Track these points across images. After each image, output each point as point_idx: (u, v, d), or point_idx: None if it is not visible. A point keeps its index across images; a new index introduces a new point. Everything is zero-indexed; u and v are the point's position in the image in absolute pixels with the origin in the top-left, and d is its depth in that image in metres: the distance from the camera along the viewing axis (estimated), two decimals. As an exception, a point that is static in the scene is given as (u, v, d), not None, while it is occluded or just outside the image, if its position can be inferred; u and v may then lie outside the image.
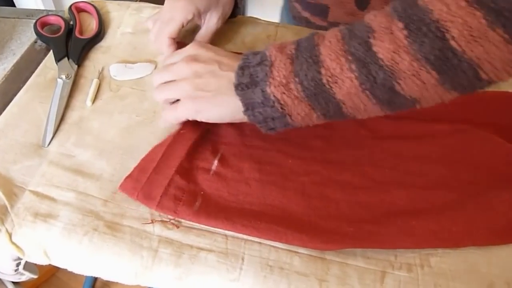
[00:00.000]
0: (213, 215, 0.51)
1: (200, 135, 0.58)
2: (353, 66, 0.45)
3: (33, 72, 0.66)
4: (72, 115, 0.61)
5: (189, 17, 0.64)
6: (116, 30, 0.73)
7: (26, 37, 0.72)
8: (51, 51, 0.68)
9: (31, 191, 0.53)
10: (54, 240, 0.50)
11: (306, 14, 0.84)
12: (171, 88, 0.55)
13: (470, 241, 0.50)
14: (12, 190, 0.53)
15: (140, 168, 0.54)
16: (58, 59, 0.66)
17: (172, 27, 0.63)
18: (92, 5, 0.74)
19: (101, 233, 0.50)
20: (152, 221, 0.51)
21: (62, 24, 0.70)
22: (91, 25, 0.72)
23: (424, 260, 0.49)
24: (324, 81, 0.46)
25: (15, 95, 0.63)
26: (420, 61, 0.42)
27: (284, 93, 0.48)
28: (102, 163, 0.56)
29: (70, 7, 0.73)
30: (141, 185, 0.52)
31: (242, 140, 0.59)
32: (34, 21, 0.71)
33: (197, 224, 0.51)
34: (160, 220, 0.51)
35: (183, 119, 0.56)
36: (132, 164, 0.55)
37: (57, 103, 0.61)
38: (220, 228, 0.51)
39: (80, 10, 0.74)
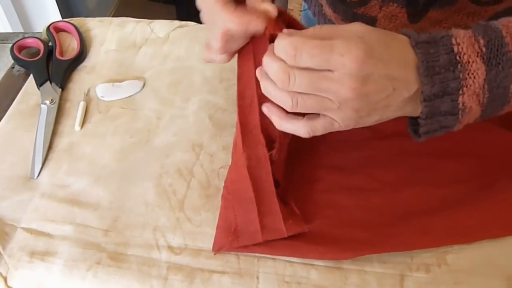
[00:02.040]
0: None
1: None
2: None
3: (13, 99, 0.63)
4: (61, 142, 0.58)
5: None
6: (99, 48, 0.70)
7: (2, 63, 0.69)
8: (31, 75, 0.65)
9: (24, 228, 0.50)
10: (55, 280, 0.47)
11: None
12: (320, 105, 0.41)
13: (486, 234, 0.50)
14: (3, 229, 0.50)
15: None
16: (40, 84, 0.63)
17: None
18: (72, 24, 0.71)
19: (105, 266, 0.47)
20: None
21: (41, 46, 0.67)
22: (72, 45, 0.70)
23: (440, 258, 0.48)
24: None
25: (-5, 126, 0.60)
26: None
27: (475, 102, 0.42)
28: (98, 191, 0.53)
29: (48, 28, 0.70)
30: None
31: None
32: (9, 45, 0.68)
33: (205, 246, 0.49)
34: (167, 246, 0.49)
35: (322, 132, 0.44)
36: (131, 189, 0.53)
37: (43, 131, 0.58)
38: (234, 251, 0.49)
39: (59, 30, 0.71)
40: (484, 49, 0.41)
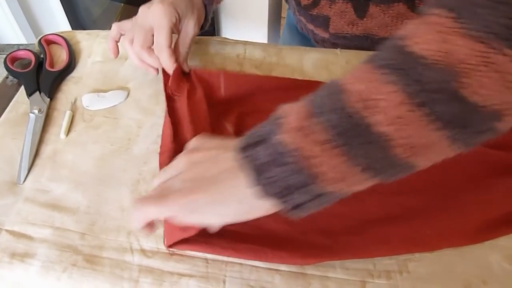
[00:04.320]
0: (192, 240, 0.50)
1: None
2: (393, 77, 0.34)
3: (5, 108, 0.66)
4: (46, 149, 0.61)
5: (173, 20, 0.61)
6: (86, 59, 0.72)
7: (-2, 73, 0.72)
8: (22, 86, 0.68)
9: (7, 230, 0.53)
10: (32, 280, 0.49)
11: (311, 26, 0.83)
12: (162, 181, 0.45)
13: (445, 244, 0.51)
14: (-12, 231, 0.53)
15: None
16: (29, 94, 0.65)
17: (165, 34, 0.60)
18: (62, 36, 0.74)
19: (80, 268, 0.49)
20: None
21: (32, 58, 0.70)
22: (62, 57, 0.72)
23: (402, 266, 0.50)
24: (352, 110, 0.34)
25: (-12, 132, 0.63)
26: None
27: (300, 138, 0.36)
28: (77, 196, 0.56)
29: (39, 40, 0.73)
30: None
31: None
32: (4, 56, 0.71)
33: (178, 250, 0.51)
34: (140, 249, 0.51)
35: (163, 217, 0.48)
36: (108, 194, 0.55)
37: (30, 138, 0.61)
38: (200, 252, 0.51)
39: (50, 43, 0.74)
40: (311, 96, 0.38)
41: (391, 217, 0.53)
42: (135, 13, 0.65)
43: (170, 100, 0.63)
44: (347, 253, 0.50)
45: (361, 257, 0.50)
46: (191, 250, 0.51)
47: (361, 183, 0.37)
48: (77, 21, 1.72)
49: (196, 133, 0.55)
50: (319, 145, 0.35)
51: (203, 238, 0.50)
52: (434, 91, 0.33)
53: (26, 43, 1.19)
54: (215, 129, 0.60)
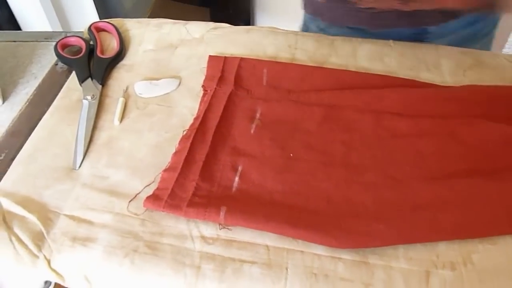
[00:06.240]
0: (240, 218, 0.51)
1: (215, 140, 0.58)
2: None
3: (56, 94, 0.66)
4: (101, 136, 0.61)
5: None
6: (137, 47, 0.72)
7: (46, 60, 0.72)
8: (73, 72, 0.68)
9: (66, 215, 0.53)
10: (95, 264, 0.49)
11: None
12: None
13: (496, 231, 0.51)
14: (47, 216, 0.53)
15: (162, 179, 0.55)
16: (82, 80, 0.66)
17: None
18: (112, 24, 0.74)
19: (142, 254, 0.49)
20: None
21: (83, 44, 0.70)
22: (112, 44, 0.72)
23: (466, 257, 0.49)
24: None
25: (39, 119, 0.63)
26: None
27: None
28: (136, 183, 0.56)
29: (89, 27, 0.73)
30: (165, 197, 0.52)
31: (262, 150, 0.58)
32: (52, 43, 0.71)
33: (238, 237, 0.51)
34: (200, 236, 0.51)
35: None
36: (166, 181, 0.55)
37: (84, 125, 0.61)
38: (247, 226, 0.51)
39: (100, 30, 0.74)
40: None
41: (441, 202, 0.53)
42: (167, 5, 0.66)
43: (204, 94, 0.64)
44: (401, 238, 0.50)
45: (414, 241, 0.50)
46: (241, 225, 0.51)
47: None
48: (107, 13, 1.72)
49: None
50: None
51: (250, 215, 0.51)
52: None
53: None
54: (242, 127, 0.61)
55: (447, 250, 0.50)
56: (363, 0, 0.72)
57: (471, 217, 0.52)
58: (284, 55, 0.70)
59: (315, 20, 0.84)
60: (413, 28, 0.77)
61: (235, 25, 0.76)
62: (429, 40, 0.78)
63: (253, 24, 1.68)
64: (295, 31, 0.75)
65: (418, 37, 0.77)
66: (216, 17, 1.92)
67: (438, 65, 0.68)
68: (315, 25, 0.85)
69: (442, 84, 0.65)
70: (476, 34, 0.82)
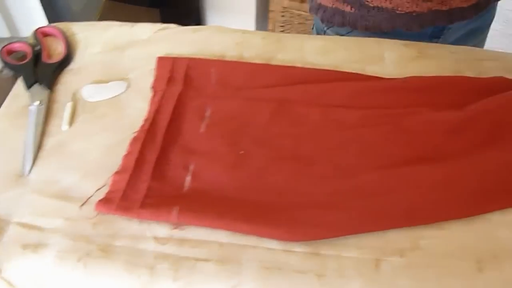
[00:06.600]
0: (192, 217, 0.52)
1: (166, 140, 0.58)
2: None
3: (2, 101, 0.65)
4: (50, 141, 0.60)
5: None
6: (85, 51, 0.72)
7: (-11, 67, 0.70)
8: (20, 78, 0.67)
9: (16, 222, 0.52)
10: (47, 270, 0.49)
11: None
12: None
13: (444, 216, 0.53)
14: (-4, 224, 0.52)
15: (114, 182, 0.55)
16: (28, 86, 0.65)
17: None
18: (58, 28, 0.73)
19: (95, 257, 0.49)
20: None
21: (29, 50, 0.69)
22: (58, 49, 0.71)
23: (414, 244, 0.51)
24: None
25: (-14, 126, 0.61)
26: None
27: None
28: (87, 186, 0.55)
29: (35, 32, 0.72)
30: (117, 199, 0.53)
31: (213, 148, 0.59)
32: (-3, 49, 0.70)
33: (192, 236, 0.51)
34: (154, 237, 0.51)
35: None
36: (118, 183, 0.55)
37: (33, 130, 0.60)
38: (200, 225, 0.52)
39: (46, 35, 0.73)
40: None
41: (388, 190, 0.54)
42: (117, 8, 0.65)
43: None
44: (347, 228, 0.52)
45: (360, 231, 0.52)
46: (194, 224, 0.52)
47: None
48: (56, 17, 1.68)
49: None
50: None
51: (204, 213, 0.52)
52: None
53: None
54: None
55: (395, 237, 0.51)
56: (401, 5, 0.74)
57: (418, 204, 0.54)
58: (232, 54, 0.71)
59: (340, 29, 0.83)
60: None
61: (185, 25, 0.76)
62: (444, 38, 0.81)
63: (204, 24, 1.68)
64: (242, 29, 0.75)
65: (436, 35, 0.80)
66: (166, 18, 1.90)
67: (382, 58, 0.70)
68: (335, 31, 0.84)
69: (386, 77, 0.67)
70: (476, 30, 0.85)
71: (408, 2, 0.73)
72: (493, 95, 0.63)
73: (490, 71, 0.67)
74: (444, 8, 0.74)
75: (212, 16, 1.65)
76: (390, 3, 0.74)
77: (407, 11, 0.74)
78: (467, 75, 0.67)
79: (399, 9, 0.74)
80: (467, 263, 0.49)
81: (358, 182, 0.55)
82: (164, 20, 0.76)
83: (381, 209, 0.53)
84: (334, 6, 0.79)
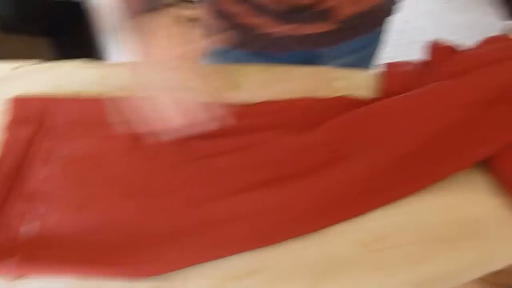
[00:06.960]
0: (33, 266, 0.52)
1: (10, 187, 0.58)
2: None
3: None
4: None
5: None
6: None
7: None
8: None
9: None
10: None
11: None
12: None
13: (288, 235, 0.56)
14: None
15: None
16: None
17: None
18: None
19: None
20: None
21: None
22: None
23: (254, 266, 0.54)
24: None
25: None
26: None
27: None
28: None
29: None
30: None
31: (61, 191, 0.59)
32: None
33: (36, 285, 0.52)
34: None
35: None
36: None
37: None
38: (41, 274, 0.52)
39: None
40: None
41: (234, 217, 0.57)
42: (3, 39, 0.63)
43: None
44: (192, 259, 0.54)
45: (205, 260, 0.54)
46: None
47: None
48: None
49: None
50: None
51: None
52: None
53: None
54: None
55: (237, 262, 0.54)
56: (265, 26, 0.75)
57: (260, 227, 0.56)
58: (96, 88, 0.70)
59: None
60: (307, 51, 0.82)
61: (81, 55, 0.74)
62: (322, 63, 0.83)
63: (101, 51, 1.62)
64: (110, 63, 0.75)
65: (310, 61, 0.82)
66: (59, 48, 1.78)
67: (238, 84, 0.72)
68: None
69: (242, 103, 0.69)
70: (367, 57, 0.89)
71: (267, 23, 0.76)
72: (340, 114, 0.66)
73: (341, 90, 0.71)
74: (300, 32, 0.77)
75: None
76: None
77: (267, 31, 0.77)
78: (321, 95, 0.70)
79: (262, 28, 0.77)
80: (304, 280, 0.53)
81: (204, 211, 0.57)
82: (57, 51, 0.73)
83: (224, 236, 0.55)
84: None
